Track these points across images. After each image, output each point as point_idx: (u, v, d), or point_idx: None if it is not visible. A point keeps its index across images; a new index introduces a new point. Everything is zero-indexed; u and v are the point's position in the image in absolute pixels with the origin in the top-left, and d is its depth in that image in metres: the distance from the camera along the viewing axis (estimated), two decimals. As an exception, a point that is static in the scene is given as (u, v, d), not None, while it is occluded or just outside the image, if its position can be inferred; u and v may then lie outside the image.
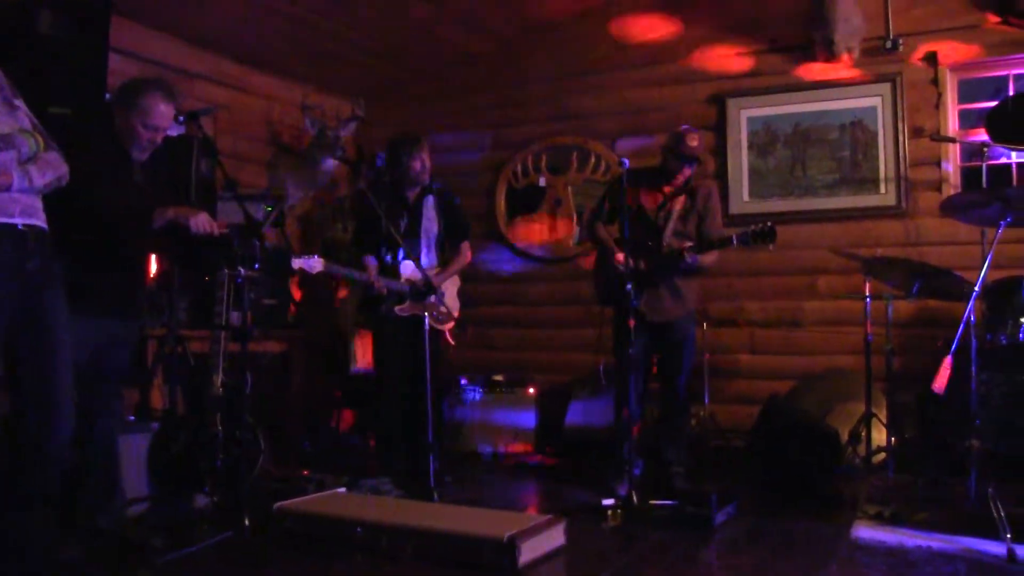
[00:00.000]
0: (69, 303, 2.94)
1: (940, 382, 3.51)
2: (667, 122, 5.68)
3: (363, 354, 5.92)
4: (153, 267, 4.66)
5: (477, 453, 5.68)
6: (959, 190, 5.36)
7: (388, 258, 4.71)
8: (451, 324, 4.81)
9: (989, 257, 3.63)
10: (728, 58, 5.93)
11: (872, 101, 5.56)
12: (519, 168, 6.53)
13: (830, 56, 5.52)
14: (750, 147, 5.87)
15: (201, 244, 3.57)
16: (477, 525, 3.34)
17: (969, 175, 5.49)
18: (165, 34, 5.37)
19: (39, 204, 2.86)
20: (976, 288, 3.60)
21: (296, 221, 6.40)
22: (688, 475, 4.56)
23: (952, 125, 5.47)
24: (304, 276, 4.77)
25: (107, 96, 4.29)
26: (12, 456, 2.82)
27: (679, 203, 4.56)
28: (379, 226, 4.50)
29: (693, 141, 4.45)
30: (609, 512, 3.91)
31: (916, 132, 5.43)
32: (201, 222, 3.46)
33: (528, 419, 5.77)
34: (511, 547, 3.07)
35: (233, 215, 4.00)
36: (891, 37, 5.43)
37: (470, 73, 6.65)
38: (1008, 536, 3.22)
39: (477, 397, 5.83)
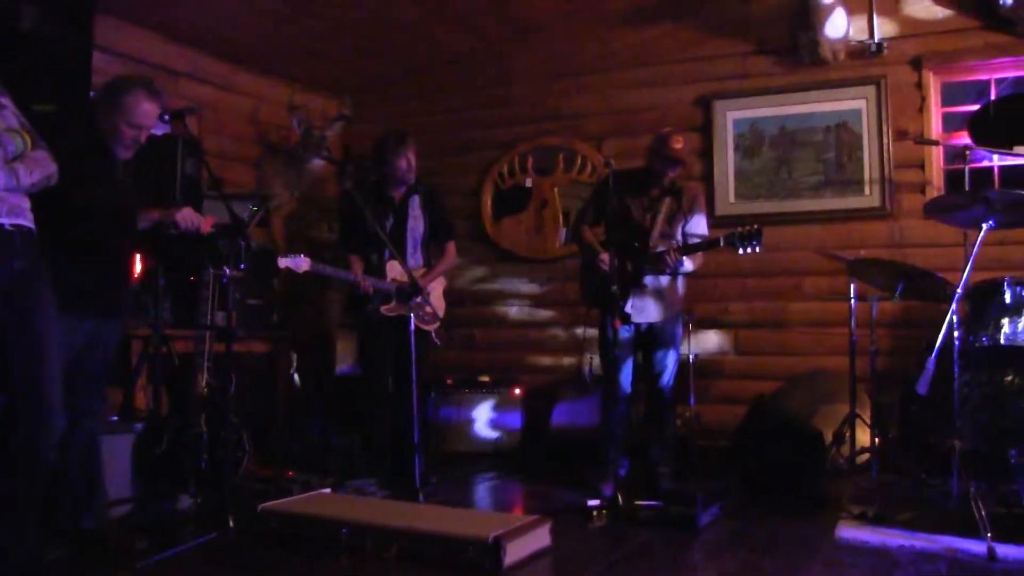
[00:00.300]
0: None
1: (923, 383, 3.54)
2: (654, 123, 5.69)
3: (348, 354, 5.90)
4: (138, 266, 4.64)
5: (462, 453, 5.67)
6: (942, 192, 5.39)
7: (374, 258, 4.70)
8: (437, 324, 4.81)
9: (971, 259, 3.66)
10: (714, 60, 5.95)
11: (857, 104, 5.59)
12: (505, 169, 6.53)
13: (815, 59, 5.55)
14: (736, 149, 5.89)
15: (187, 242, 3.56)
16: (462, 526, 3.34)
17: (952, 178, 5.53)
18: (150, 32, 5.34)
19: (26, 204, 2.84)
20: (959, 290, 3.63)
21: (282, 221, 6.38)
22: (673, 475, 4.57)
23: (935, 128, 5.50)
24: (290, 275, 4.75)
25: (91, 94, 4.26)
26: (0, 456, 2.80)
27: (665, 205, 4.57)
28: (365, 226, 4.49)
29: (677, 144, 4.46)
30: (594, 513, 3.92)
31: (900, 135, 5.46)
32: (187, 216, 3.45)
33: (514, 420, 5.78)
34: (496, 548, 3.07)
35: (219, 214, 3.99)
36: (876, 40, 5.47)
37: (457, 73, 6.65)
38: (988, 535, 3.25)
39: (464, 399, 5.82)
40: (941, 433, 3.87)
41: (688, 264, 4.51)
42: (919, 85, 5.44)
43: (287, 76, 6.35)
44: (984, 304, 3.86)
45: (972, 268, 3.66)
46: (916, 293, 4.46)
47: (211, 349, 4.16)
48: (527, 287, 6.44)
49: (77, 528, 3.37)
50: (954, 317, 3.63)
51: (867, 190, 5.54)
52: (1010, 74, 5.37)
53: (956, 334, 3.67)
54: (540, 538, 3.35)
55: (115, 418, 4.39)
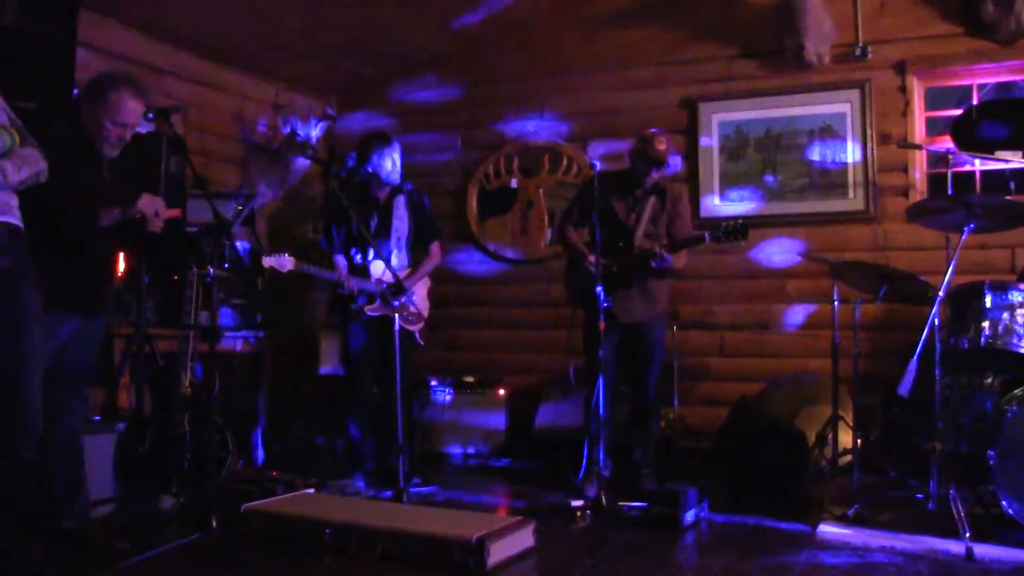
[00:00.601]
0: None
1: (905, 385, 3.57)
2: (639, 125, 5.69)
3: (332, 354, 5.88)
4: (121, 265, 4.61)
5: (447, 454, 5.67)
6: (925, 196, 5.43)
7: (358, 258, 4.70)
8: (421, 325, 4.80)
9: (953, 262, 3.70)
10: (700, 63, 5.97)
11: (841, 107, 5.63)
12: (491, 169, 6.53)
13: (801, 62, 5.58)
14: (721, 151, 5.91)
15: (163, 237, 3.52)
16: (446, 526, 3.34)
17: (935, 182, 5.58)
18: (135, 30, 5.31)
19: (14, 201, 2.82)
20: (940, 293, 3.67)
21: (267, 220, 6.36)
22: (657, 476, 4.59)
23: (919, 132, 5.55)
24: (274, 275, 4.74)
25: (75, 91, 4.24)
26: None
27: (649, 205, 4.59)
28: (350, 226, 4.48)
29: (661, 145, 4.49)
30: (578, 513, 3.93)
31: (884, 138, 5.50)
32: (147, 203, 3.39)
33: (498, 420, 5.78)
34: (480, 548, 3.07)
35: (203, 213, 3.98)
36: (860, 44, 5.51)
37: (442, 73, 6.65)
38: (967, 536, 3.29)
39: (448, 399, 5.82)
40: (922, 435, 3.91)
41: (673, 264, 4.52)
42: (903, 89, 5.49)
43: (272, 75, 6.33)
44: (965, 307, 3.89)
45: (954, 271, 3.69)
46: (899, 296, 4.49)
47: (195, 348, 4.15)
48: (512, 288, 6.44)
49: (59, 528, 3.35)
50: (936, 320, 3.66)
51: (851, 193, 5.58)
52: (992, 80, 5.42)
53: (937, 337, 3.70)
54: (524, 539, 3.36)
55: (97, 417, 4.37)
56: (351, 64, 6.46)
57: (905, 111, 5.48)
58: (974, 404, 4.19)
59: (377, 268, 4.63)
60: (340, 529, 3.35)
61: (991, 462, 3.47)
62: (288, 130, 6.21)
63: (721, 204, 5.87)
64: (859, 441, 4.61)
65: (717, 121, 5.92)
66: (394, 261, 4.68)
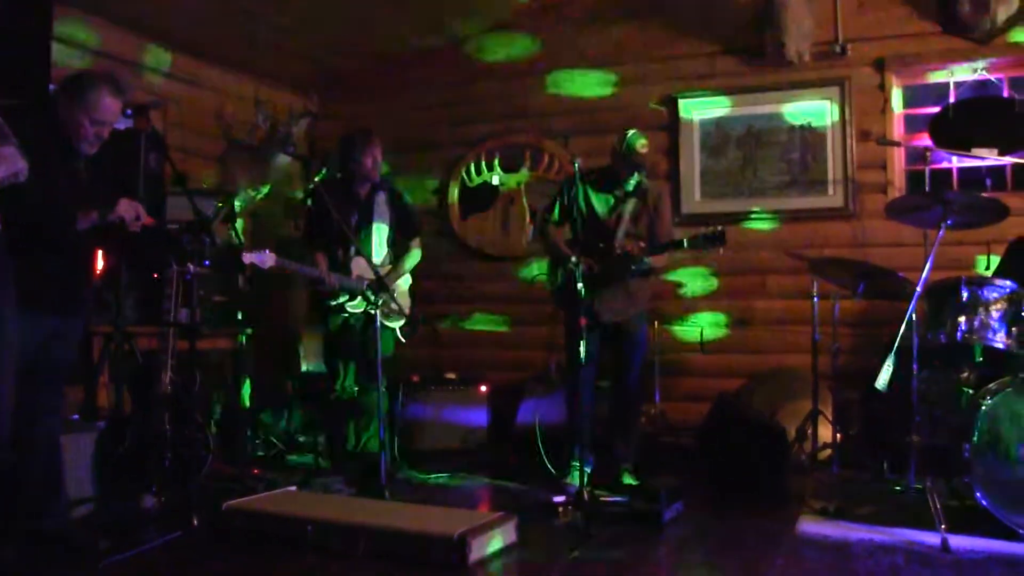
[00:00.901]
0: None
1: (883, 380, 3.61)
2: (620, 122, 5.72)
3: (314, 351, 5.87)
4: (100, 263, 4.58)
5: (429, 451, 5.66)
6: (903, 193, 5.48)
7: (339, 254, 4.69)
8: (402, 321, 4.80)
9: (931, 258, 3.74)
10: (681, 60, 5.99)
11: (821, 104, 5.67)
12: (472, 166, 6.53)
13: (781, 60, 5.61)
14: (702, 148, 5.94)
15: (144, 237, 3.50)
16: (428, 523, 3.35)
17: (913, 179, 5.62)
18: (113, 25, 5.26)
19: None
20: (918, 288, 3.70)
21: (248, 217, 6.32)
22: (639, 472, 4.60)
23: (897, 130, 5.59)
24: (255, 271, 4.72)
25: (51, 87, 4.20)
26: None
27: (630, 204, 4.60)
28: (331, 222, 4.47)
29: (642, 148, 4.50)
30: (560, 509, 3.94)
31: (863, 136, 5.54)
32: (124, 208, 3.37)
33: (480, 417, 5.78)
34: (462, 544, 3.08)
35: (183, 210, 3.95)
36: (840, 42, 5.54)
37: (424, 70, 6.64)
38: (943, 527, 3.35)
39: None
40: (900, 429, 3.95)
41: (653, 264, 4.54)
42: (882, 87, 5.53)
43: (254, 72, 6.30)
44: (942, 303, 3.94)
45: (931, 267, 3.73)
46: (877, 292, 4.53)
47: (175, 346, 4.13)
48: (493, 284, 6.45)
49: (37, 528, 3.32)
50: (913, 315, 3.70)
51: (831, 190, 5.62)
52: (968, 77, 5.47)
53: (915, 332, 3.74)
54: (506, 534, 3.37)
55: (76, 416, 4.34)
56: (333, 61, 6.44)
57: (884, 108, 5.53)
58: (950, 398, 4.23)
59: (358, 265, 4.63)
60: (322, 527, 3.34)
61: (966, 455, 3.51)
62: (268, 126, 6.19)
63: (702, 201, 5.89)
64: (838, 436, 4.66)
65: (698, 118, 5.94)
66: (375, 258, 4.67)
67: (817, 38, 5.57)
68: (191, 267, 3.79)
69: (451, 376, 5.94)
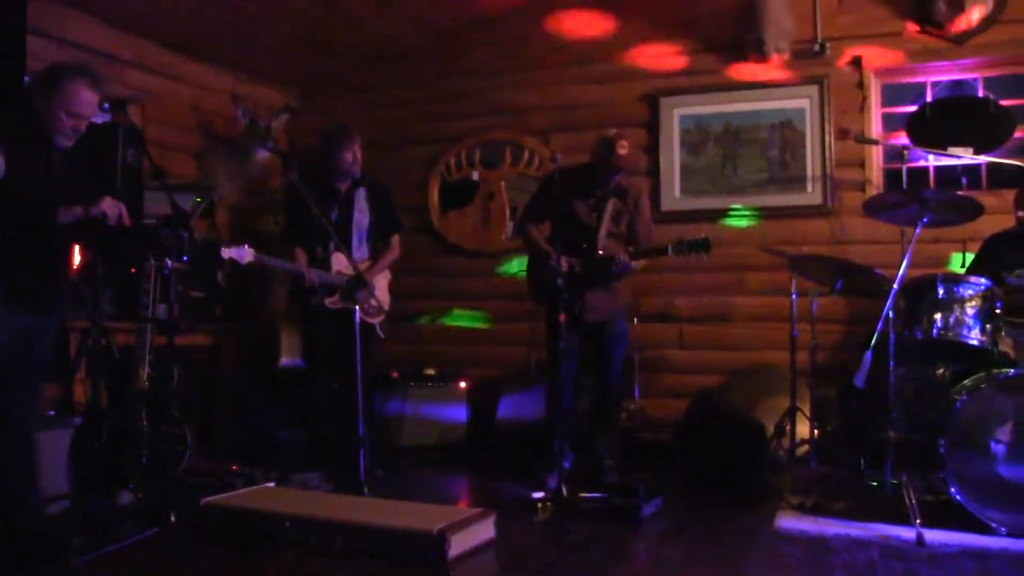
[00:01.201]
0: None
1: (860, 376, 3.64)
2: (601, 119, 5.75)
3: (293, 347, 5.84)
4: (76, 258, 4.54)
5: (408, 447, 5.66)
6: (881, 191, 5.52)
7: (319, 250, 4.67)
8: (382, 317, 4.79)
9: (907, 256, 3.77)
10: (662, 57, 6.01)
11: (800, 102, 5.70)
12: (452, 162, 6.52)
13: (761, 57, 5.64)
14: (682, 145, 5.95)
15: (121, 234, 3.47)
16: (407, 519, 3.34)
17: (891, 177, 5.67)
18: (91, 17, 5.21)
19: None
20: (895, 285, 3.74)
21: (227, 213, 6.29)
22: (618, 468, 4.62)
23: (876, 128, 5.63)
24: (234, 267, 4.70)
25: (25, 79, 4.15)
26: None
27: (610, 205, 4.61)
28: (310, 218, 4.45)
29: (623, 150, 4.49)
30: (539, 505, 3.95)
31: (842, 134, 5.58)
32: (108, 205, 3.35)
33: (459, 413, 5.78)
34: (441, 540, 3.07)
35: (161, 206, 3.92)
36: (819, 41, 5.57)
37: (405, 66, 6.61)
38: (918, 522, 3.39)
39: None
40: (877, 425, 3.98)
41: (634, 266, 4.56)
42: (860, 86, 5.57)
43: (233, 66, 6.25)
44: (918, 300, 3.97)
45: (908, 265, 3.76)
46: (855, 289, 4.56)
47: (152, 342, 4.10)
48: (473, 280, 6.44)
49: (12, 526, 3.29)
50: (890, 312, 3.73)
51: (809, 187, 5.65)
52: (945, 77, 5.52)
53: (892, 329, 3.77)
54: (485, 530, 3.37)
55: (52, 412, 4.30)
56: (314, 56, 6.40)
57: (862, 107, 5.57)
58: (926, 394, 4.28)
59: (338, 260, 4.61)
60: (300, 523, 3.33)
61: (942, 450, 3.55)
62: (248, 121, 6.15)
63: (681, 198, 5.92)
64: (816, 432, 4.69)
65: (678, 115, 5.96)
66: (355, 254, 4.66)
67: (797, 37, 5.60)
68: (169, 262, 3.76)
69: (431, 372, 5.94)
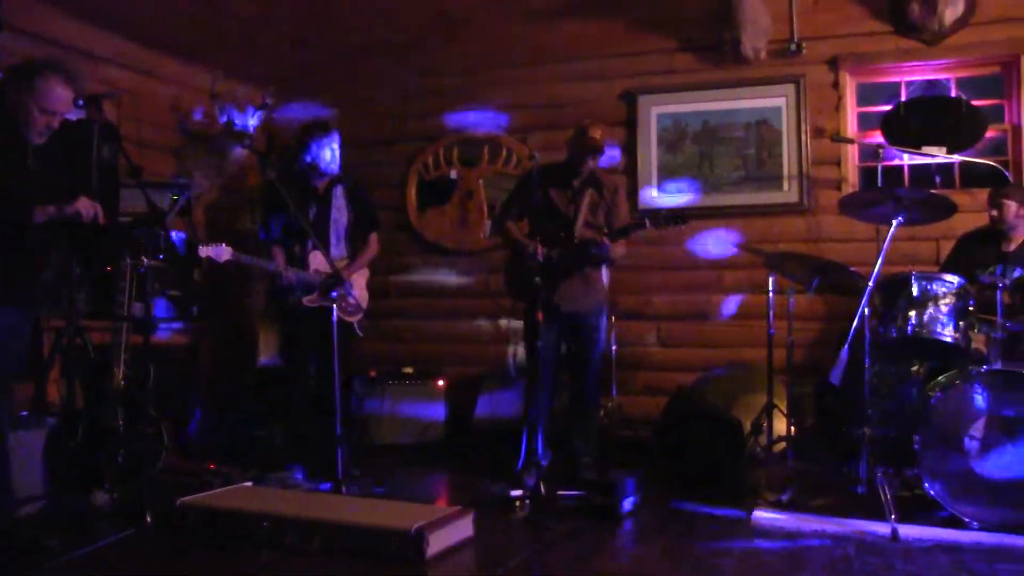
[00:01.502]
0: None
1: (836, 373, 3.68)
2: (579, 117, 5.73)
3: (271, 346, 5.82)
4: (51, 256, 4.48)
5: (386, 445, 5.65)
6: (857, 189, 5.57)
7: (296, 248, 4.65)
8: (360, 316, 4.77)
9: (882, 253, 3.81)
10: (640, 56, 6.03)
11: (777, 101, 5.74)
12: (430, 160, 6.51)
13: (738, 57, 5.67)
14: (660, 143, 5.98)
15: (96, 233, 3.44)
16: (385, 517, 3.34)
17: (866, 175, 5.72)
18: (66, 13, 5.15)
19: None
20: (870, 283, 3.77)
21: (204, 210, 6.25)
22: (596, 465, 4.63)
23: (851, 127, 5.68)
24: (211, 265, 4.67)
25: (-1, 75, 4.10)
26: None
27: (587, 195, 4.63)
28: (288, 216, 4.43)
29: (595, 133, 4.54)
30: (517, 503, 3.95)
31: (818, 132, 5.63)
32: (83, 205, 3.32)
33: (437, 411, 5.78)
34: (419, 539, 3.07)
35: (138, 203, 3.89)
36: (795, 40, 5.61)
37: (383, 64, 6.59)
38: (893, 517, 3.44)
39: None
40: (853, 421, 4.02)
41: (613, 252, 4.55)
42: (836, 85, 5.61)
43: (210, 63, 6.20)
44: (893, 297, 4.00)
45: (883, 262, 3.80)
46: (831, 286, 4.60)
47: (128, 341, 4.06)
48: (451, 278, 6.44)
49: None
50: (865, 310, 3.77)
51: (786, 186, 5.69)
52: (919, 77, 5.57)
53: (867, 326, 3.81)
54: (463, 529, 3.37)
55: (25, 412, 4.25)
56: (292, 53, 6.36)
57: (838, 106, 5.61)
58: (901, 391, 4.32)
59: (316, 259, 4.59)
60: (278, 522, 3.31)
61: (916, 446, 3.60)
62: (225, 119, 6.11)
63: (659, 196, 5.94)
64: (793, 428, 4.72)
65: (656, 113, 5.99)
66: (333, 252, 4.64)
67: (773, 36, 5.63)
68: (145, 260, 3.73)
69: (409, 370, 5.94)
